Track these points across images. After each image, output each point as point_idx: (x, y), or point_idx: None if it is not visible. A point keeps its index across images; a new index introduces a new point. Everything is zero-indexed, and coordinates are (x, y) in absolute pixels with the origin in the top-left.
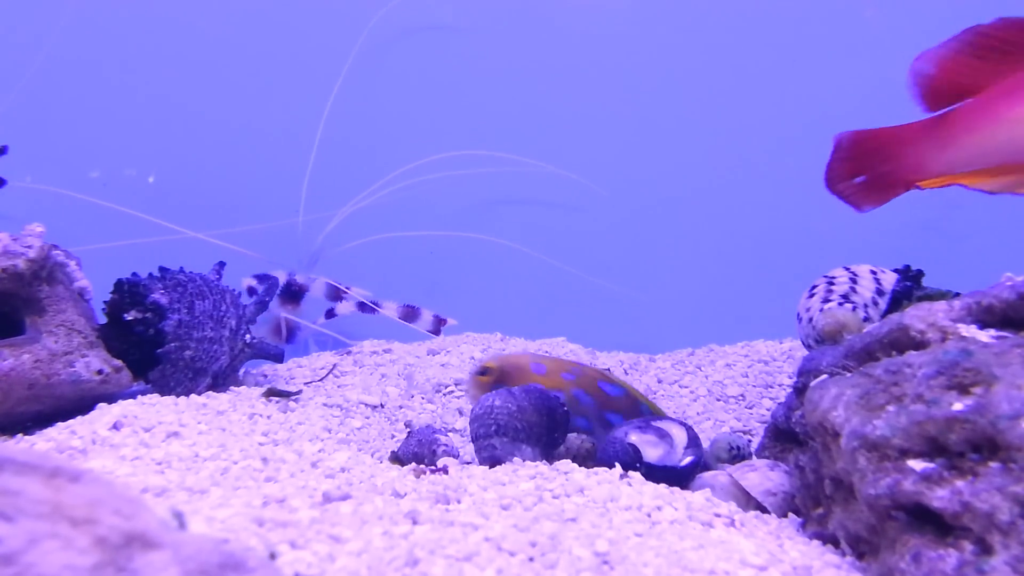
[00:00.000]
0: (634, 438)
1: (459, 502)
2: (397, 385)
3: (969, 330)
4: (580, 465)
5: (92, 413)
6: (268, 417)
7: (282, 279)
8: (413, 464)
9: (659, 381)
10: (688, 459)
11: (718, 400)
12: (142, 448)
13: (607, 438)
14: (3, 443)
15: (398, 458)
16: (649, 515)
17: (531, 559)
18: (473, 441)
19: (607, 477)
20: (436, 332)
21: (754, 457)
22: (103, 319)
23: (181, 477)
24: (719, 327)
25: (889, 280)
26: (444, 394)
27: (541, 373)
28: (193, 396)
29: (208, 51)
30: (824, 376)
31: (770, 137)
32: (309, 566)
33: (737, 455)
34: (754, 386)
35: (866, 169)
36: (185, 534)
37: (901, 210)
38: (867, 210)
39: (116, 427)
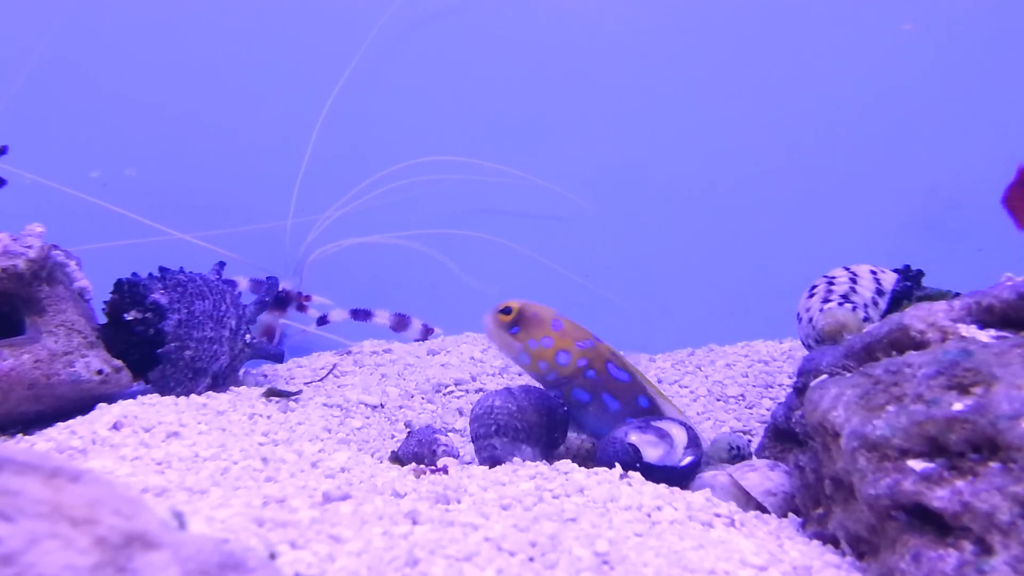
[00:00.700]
0: (634, 438)
1: (459, 502)
2: (397, 385)
3: (969, 330)
4: (580, 465)
5: (92, 413)
6: (268, 417)
7: (242, 284)
8: (413, 464)
9: (659, 381)
10: (688, 459)
11: (718, 400)
12: (142, 448)
13: (607, 438)
14: (3, 443)
15: (398, 458)
16: (649, 515)
17: (531, 559)
18: (473, 441)
19: (607, 477)
20: (424, 340)
21: (754, 457)
22: (103, 319)
23: (181, 477)
24: (719, 327)
25: (889, 280)
26: (444, 394)
27: (557, 329)
28: (193, 396)
29: (206, 56)
30: (824, 376)
31: (770, 138)
32: (309, 566)
33: (737, 455)
34: (754, 386)
35: None
36: (185, 534)
37: (901, 210)
38: None
39: (116, 427)
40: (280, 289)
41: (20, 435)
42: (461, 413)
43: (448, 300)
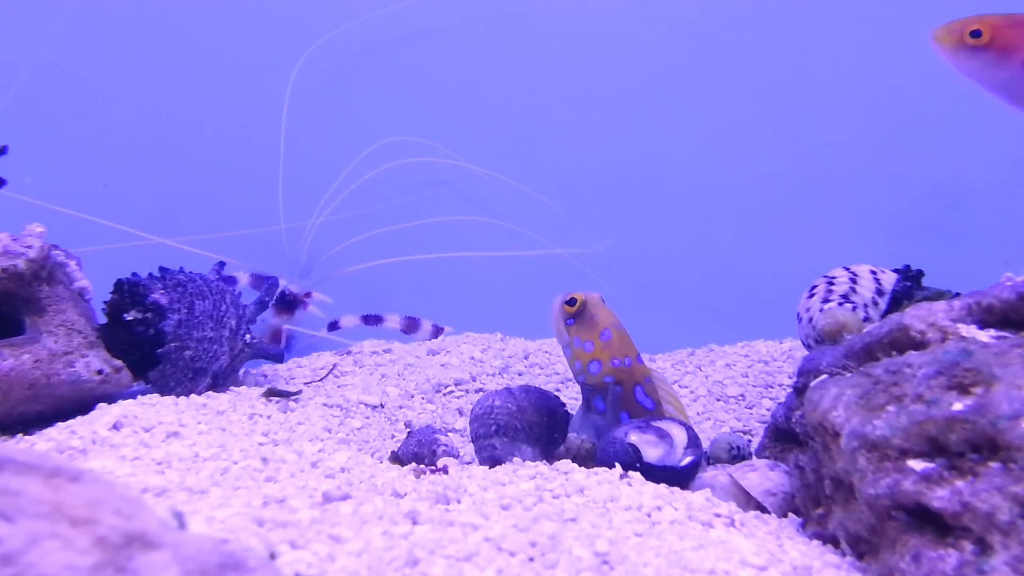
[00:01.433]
0: (634, 438)
1: (459, 502)
2: (397, 385)
3: (969, 330)
4: (580, 465)
5: (92, 413)
6: (268, 417)
7: (243, 280)
8: (413, 464)
9: None
10: (688, 459)
11: (718, 400)
12: (142, 448)
13: (606, 438)
14: (3, 443)
15: (398, 458)
16: (649, 515)
17: (531, 559)
18: (473, 441)
19: (607, 477)
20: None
21: (754, 457)
22: (103, 319)
23: (181, 477)
24: (719, 327)
25: (889, 280)
26: (444, 394)
27: (603, 339)
28: (193, 396)
29: (206, 58)
30: (824, 376)
31: (771, 138)
32: (309, 566)
33: (737, 455)
34: (754, 386)
35: None
36: (185, 534)
37: (901, 210)
38: None
39: (116, 427)
40: (286, 292)
41: (20, 435)
42: (461, 413)
43: (448, 300)
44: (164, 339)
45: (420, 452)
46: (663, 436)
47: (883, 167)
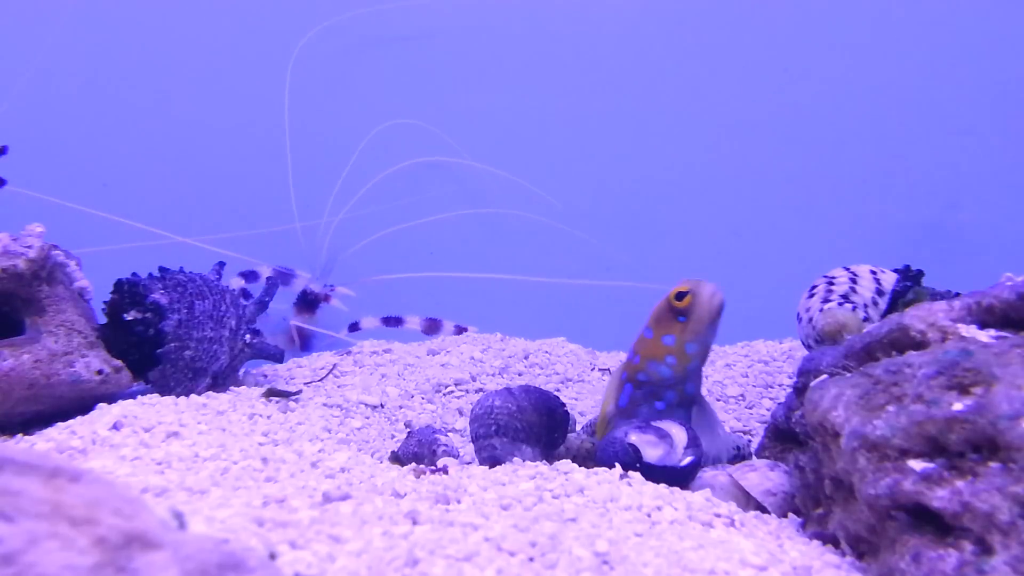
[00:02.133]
0: (634, 438)
1: (459, 502)
2: (397, 385)
3: (969, 330)
4: (580, 465)
5: (92, 413)
6: (268, 417)
7: (264, 273)
8: (413, 464)
9: None
10: (688, 459)
11: (718, 400)
12: (142, 448)
13: (607, 438)
14: (3, 443)
15: (398, 458)
16: (649, 515)
17: (531, 559)
18: (473, 441)
19: (607, 477)
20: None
21: (754, 457)
22: (103, 319)
23: (181, 477)
24: (719, 327)
25: (889, 280)
26: (444, 394)
27: (668, 344)
28: (193, 396)
29: (207, 59)
30: (824, 376)
31: (771, 138)
32: (309, 566)
33: (737, 455)
34: (754, 386)
35: None
36: (185, 534)
37: (901, 210)
38: None
39: (116, 427)
40: (307, 290)
41: (20, 435)
42: (461, 413)
43: (449, 300)
44: (164, 339)
45: (420, 452)
46: (663, 436)
47: (883, 167)
